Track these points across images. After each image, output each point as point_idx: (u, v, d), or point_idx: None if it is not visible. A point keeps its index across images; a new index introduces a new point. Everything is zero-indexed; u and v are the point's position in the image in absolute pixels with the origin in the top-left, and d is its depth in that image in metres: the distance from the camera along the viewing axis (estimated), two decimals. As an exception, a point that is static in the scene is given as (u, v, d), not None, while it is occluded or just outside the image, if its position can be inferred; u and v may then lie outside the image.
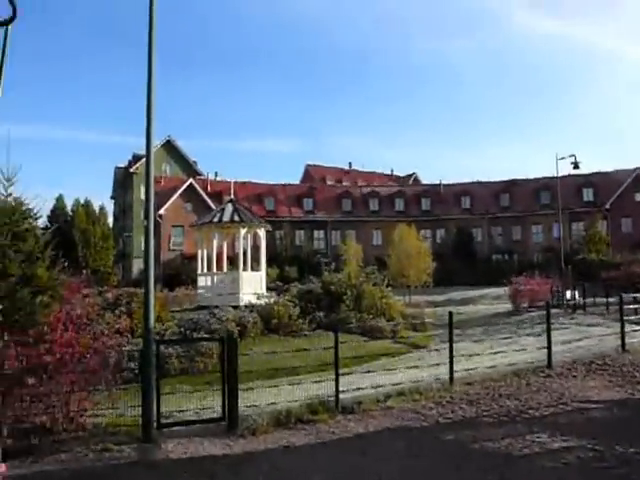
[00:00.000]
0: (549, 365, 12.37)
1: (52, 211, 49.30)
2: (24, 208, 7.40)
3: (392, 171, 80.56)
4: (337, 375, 9.16)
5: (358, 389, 9.86)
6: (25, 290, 6.85)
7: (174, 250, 49.82)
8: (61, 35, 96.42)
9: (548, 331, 12.90)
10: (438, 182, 61.60)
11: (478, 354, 13.49)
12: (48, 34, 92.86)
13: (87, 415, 7.81)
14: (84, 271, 24.98)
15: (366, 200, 59.64)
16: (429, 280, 38.65)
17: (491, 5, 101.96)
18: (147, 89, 8.01)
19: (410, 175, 78.28)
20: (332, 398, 9.07)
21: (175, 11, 77.01)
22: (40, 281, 7.10)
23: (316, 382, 9.88)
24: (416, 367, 12.25)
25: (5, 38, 1.89)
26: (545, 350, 12.71)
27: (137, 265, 56.69)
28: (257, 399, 9.07)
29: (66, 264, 8.12)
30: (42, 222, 10.16)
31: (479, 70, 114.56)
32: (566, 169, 44.21)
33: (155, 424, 7.49)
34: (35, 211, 7.90)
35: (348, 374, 10.43)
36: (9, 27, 1.88)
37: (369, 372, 11.32)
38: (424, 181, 71.88)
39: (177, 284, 34.86)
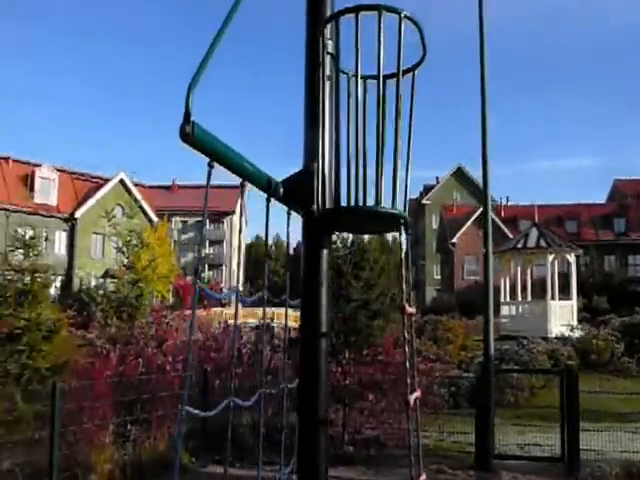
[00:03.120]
0: None
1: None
2: (351, 241, 8.31)
3: None
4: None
5: None
6: (362, 314, 7.61)
7: (468, 279, 49.64)
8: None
9: None
10: None
11: None
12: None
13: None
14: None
15: (699, 215, 49.79)
16: None
17: None
18: (482, 127, 8.20)
19: None
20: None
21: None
22: (374, 306, 7.79)
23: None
24: None
25: (412, 86, 2.00)
26: None
27: (430, 293, 58.30)
28: (588, 443, 8.13)
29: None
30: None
31: None
32: None
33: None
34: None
35: None
36: (415, 73, 1.98)
37: None
38: None
39: (472, 312, 34.50)
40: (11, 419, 6.67)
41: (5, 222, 39.57)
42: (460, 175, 61.56)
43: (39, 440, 6.33)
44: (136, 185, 47.71)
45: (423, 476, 1.94)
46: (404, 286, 2.06)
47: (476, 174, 63.79)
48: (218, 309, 18.23)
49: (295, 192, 2.00)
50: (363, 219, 2.07)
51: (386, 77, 2.08)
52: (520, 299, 22.23)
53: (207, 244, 65.01)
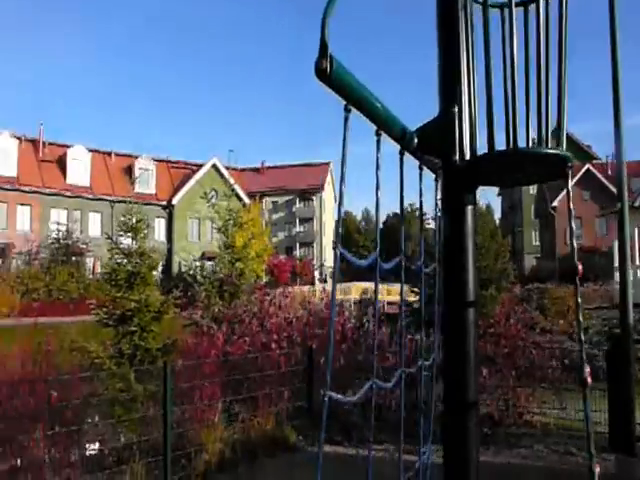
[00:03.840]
0: None
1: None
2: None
3: None
4: None
5: None
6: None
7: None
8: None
9: None
10: None
11: None
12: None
13: (533, 412, 7.63)
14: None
15: None
16: None
17: None
18: (612, 69, 7.45)
19: None
20: None
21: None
22: (483, 275, 7.28)
23: None
24: None
25: (564, 5, 1.55)
26: None
27: (529, 261, 55.53)
28: None
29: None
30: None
31: None
32: None
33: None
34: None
35: None
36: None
37: None
38: None
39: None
40: (127, 398, 6.90)
41: (110, 212, 42.31)
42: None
43: (153, 418, 6.49)
44: (228, 169, 49.02)
45: (597, 468, 1.56)
46: (574, 241, 1.67)
47: (574, 130, 59.52)
48: (319, 285, 18.33)
49: (432, 142, 1.67)
50: (518, 166, 1.69)
51: (530, 1, 1.70)
52: (638, 263, 20.38)
53: (297, 222, 65.92)
